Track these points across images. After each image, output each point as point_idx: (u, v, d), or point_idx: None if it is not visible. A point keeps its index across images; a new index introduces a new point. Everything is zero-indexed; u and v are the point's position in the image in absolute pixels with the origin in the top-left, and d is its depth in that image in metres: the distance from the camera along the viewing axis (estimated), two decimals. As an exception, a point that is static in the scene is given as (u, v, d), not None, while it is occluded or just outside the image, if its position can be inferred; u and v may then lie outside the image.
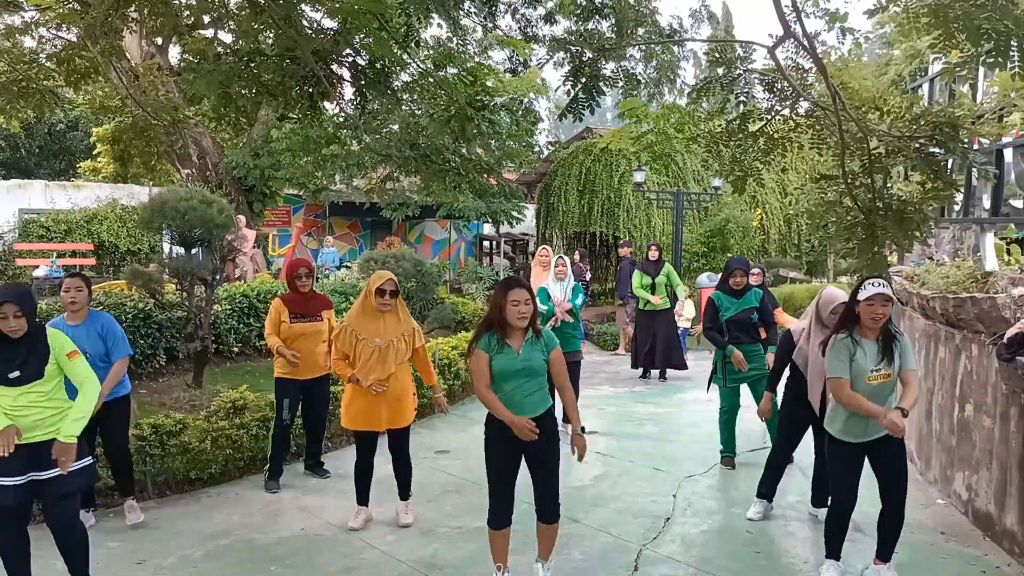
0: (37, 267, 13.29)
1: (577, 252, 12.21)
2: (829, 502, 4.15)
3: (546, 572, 3.94)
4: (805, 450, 5.19)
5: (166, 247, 10.65)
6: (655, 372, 9.79)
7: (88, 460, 3.75)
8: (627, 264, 11.37)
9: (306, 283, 5.51)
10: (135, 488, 4.97)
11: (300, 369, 5.36)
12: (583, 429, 3.88)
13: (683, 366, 9.71)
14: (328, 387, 5.73)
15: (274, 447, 5.52)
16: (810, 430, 4.94)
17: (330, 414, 6.01)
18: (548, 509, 3.84)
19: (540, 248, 9.21)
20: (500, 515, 3.84)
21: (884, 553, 4.04)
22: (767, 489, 5.05)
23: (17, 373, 3.51)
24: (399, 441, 4.80)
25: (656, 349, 9.58)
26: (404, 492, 4.90)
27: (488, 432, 3.84)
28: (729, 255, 14.47)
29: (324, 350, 5.47)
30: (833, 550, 4.08)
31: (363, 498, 4.83)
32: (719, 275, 12.92)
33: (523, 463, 3.88)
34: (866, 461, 4.00)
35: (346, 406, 4.73)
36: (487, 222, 17.65)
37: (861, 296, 3.81)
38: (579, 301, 6.85)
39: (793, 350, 4.88)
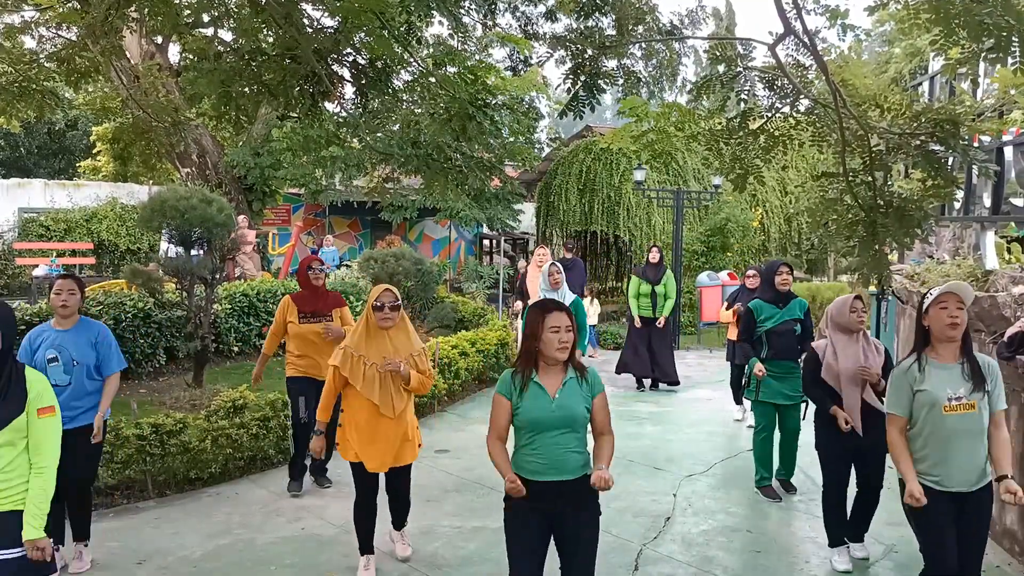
0: (36, 266, 13.29)
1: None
2: (923, 563, 3.30)
3: None
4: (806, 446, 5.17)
5: (163, 247, 10.63)
6: (647, 381, 9.13)
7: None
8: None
9: (319, 277, 5.44)
10: (90, 532, 4.25)
11: (312, 369, 5.25)
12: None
13: (676, 381, 8.98)
14: None
15: (296, 448, 5.40)
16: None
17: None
18: None
19: (538, 248, 9.08)
20: None
21: None
22: (835, 536, 4.32)
23: None
24: (400, 480, 4.21)
25: (652, 360, 8.89)
26: (399, 524, 4.41)
27: (509, 498, 3.04)
28: (729, 254, 14.45)
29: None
30: None
31: (367, 547, 4.16)
32: (719, 274, 12.95)
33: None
34: None
35: (347, 437, 4.10)
36: (482, 227, 17.70)
37: (929, 301, 3.22)
38: (590, 322, 6.43)
39: (820, 369, 4.39)
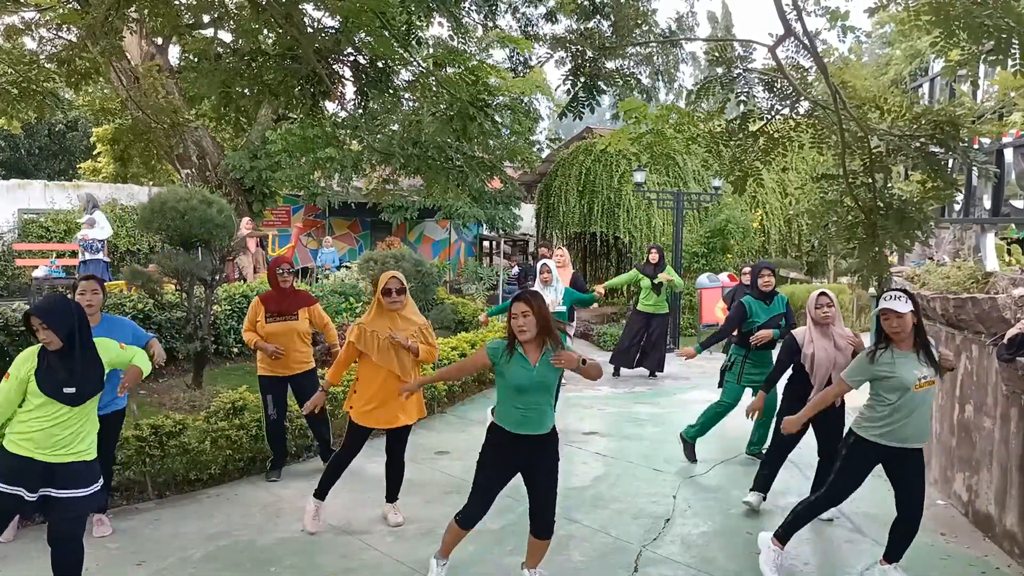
0: (36, 267, 13.27)
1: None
2: (825, 490, 4.13)
3: None
4: (806, 447, 5.18)
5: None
6: (637, 371, 9.83)
7: (100, 483, 3.63)
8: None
9: (287, 280, 5.61)
10: (108, 504, 4.80)
11: (280, 366, 5.49)
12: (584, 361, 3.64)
13: (660, 369, 9.82)
14: (316, 380, 5.67)
15: (270, 443, 5.67)
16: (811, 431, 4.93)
17: (329, 413, 5.99)
18: (543, 524, 3.77)
19: (556, 249, 9.06)
20: (473, 517, 3.80)
21: (892, 555, 4.04)
22: (762, 483, 5.15)
23: (73, 390, 3.31)
24: (398, 442, 4.77)
25: (644, 349, 9.67)
26: (392, 495, 4.88)
27: (489, 437, 3.79)
28: (729, 256, 14.44)
29: (303, 347, 5.58)
30: (783, 535, 4.21)
31: (323, 492, 4.75)
32: (719, 276, 12.95)
33: (518, 476, 3.83)
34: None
35: (355, 398, 4.67)
36: (482, 227, 17.67)
37: (877, 309, 3.88)
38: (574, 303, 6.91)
39: (796, 353, 4.88)
